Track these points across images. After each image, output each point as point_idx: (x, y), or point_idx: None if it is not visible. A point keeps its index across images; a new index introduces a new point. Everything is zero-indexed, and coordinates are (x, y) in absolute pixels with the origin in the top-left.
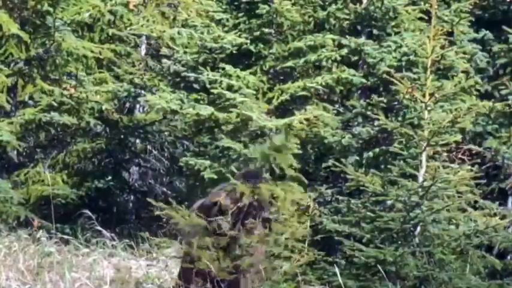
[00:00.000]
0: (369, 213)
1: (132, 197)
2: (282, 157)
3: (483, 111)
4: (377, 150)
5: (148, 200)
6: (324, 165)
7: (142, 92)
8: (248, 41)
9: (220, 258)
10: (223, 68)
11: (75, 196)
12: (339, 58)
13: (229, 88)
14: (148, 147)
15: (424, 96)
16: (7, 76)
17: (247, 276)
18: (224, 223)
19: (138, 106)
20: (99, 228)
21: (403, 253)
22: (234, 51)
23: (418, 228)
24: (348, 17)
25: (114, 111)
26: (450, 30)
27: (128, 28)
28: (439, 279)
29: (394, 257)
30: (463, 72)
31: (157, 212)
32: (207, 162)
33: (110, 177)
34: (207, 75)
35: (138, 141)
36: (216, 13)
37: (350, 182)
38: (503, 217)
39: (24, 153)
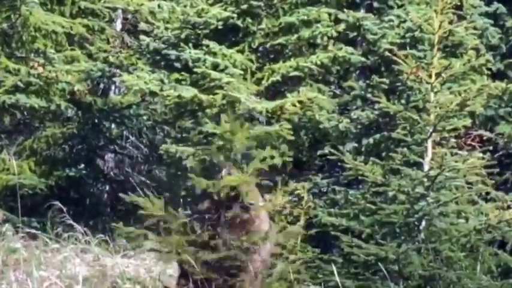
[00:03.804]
0: (368, 205)
1: (107, 187)
2: None
3: (495, 92)
4: (378, 136)
5: (121, 195)
6: (319, 152)
7: (118, 71)
8: (235, 15)
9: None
10: (208, 45)
11: (44, 186)
12: (335, 34)
13: (215, 67)
14: (125, 132)
15: (430, 76)
16: None
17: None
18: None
19: (113, 87)
20: (70, 221)
21: (406, 250)
22: (220, 27)
23: (423, 223)
24: None
25: (87, 92)
26: (459, 3)
27: (102, 1)
28: (447, 279)
29: (396, 254)
30: (473, 49)
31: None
32: (190, 150)
33: (82, 166)
34: (190, 53)
35: (113, 126)
36: None
37: (348, 171)
38: None
39: None
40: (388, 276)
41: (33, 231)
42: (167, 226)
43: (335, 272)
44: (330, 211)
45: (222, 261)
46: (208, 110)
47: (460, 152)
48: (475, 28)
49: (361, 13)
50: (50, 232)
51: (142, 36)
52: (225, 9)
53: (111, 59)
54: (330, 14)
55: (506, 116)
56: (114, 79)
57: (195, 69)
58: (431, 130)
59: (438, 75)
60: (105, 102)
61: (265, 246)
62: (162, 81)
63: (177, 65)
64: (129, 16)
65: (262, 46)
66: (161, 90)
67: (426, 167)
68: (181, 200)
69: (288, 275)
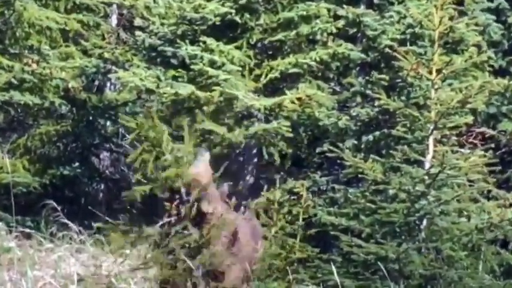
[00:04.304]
0: (368, 204)
1: (102, 186)
2: None
3: (497, 89)
4: (378, 133)
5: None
6: (318, 150)
7: (114, 68)
8: (233, 11)
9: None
10: (205, 42)
11: (38, 185)
12: (335, 30)
13: (212, 64)
14: (121, 130)
15: (430, 73)
16: None
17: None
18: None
19: (108, 84)
20: (65, 220)
21: (407, 249)
22: (217, 23)
23: (424, 221)
24: None
25: (82, 89)
26: None
27: None
28: (448, 279)
29: (397, 254)
30: (474, 46)
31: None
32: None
33: (77, 164)
34: (187, 49)
35: (109, 123)
36: None
37: (347, 169)
38: None
39: None
40: (388, 275)
41: (27, 230)
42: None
43: (334, 272)
44: (329, 210)
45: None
46: (205, 108)
47: (461, 149)
48: (476, 24)
49: (361, 9)
50: (44, 231)
51: (138, 32)
52: (223, 5)
53: (107, 55)
54: (329, 10)
55: (509, 113)
56: (109, 76)
57: (192, 66)
58: (432, 127)
59: (439, 71)
60: (100, 99)
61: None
62: (158, 78)
63: (174, 61)
64: (125, 11)
65: (260, 42)
66: (157, 87)
67: (427, 165)
68: None
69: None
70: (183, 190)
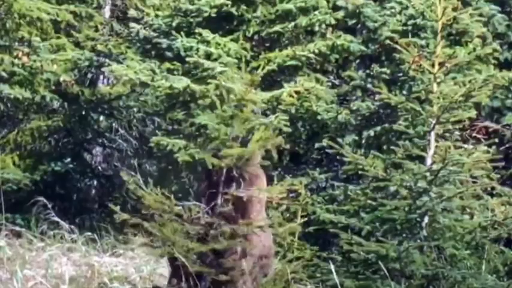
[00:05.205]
0: (369, 201)
1: (94, 183)
2: None
3: (502, 83)
4: (379, 128)
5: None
6: (317, 145)
7: (107, 61)
8: (229, 2)
9: (195, 249)
10: (201, 34)
11: (28, 181)
12: (334, 22)
13: (208, 57)
14: (114, 125)
15: (433, 66)
16: None
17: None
18: (198, 208)
19: (101, 77)
20: (56, 218)
21: (408, 248)
22: (213, 14)
23: (426, 219)
24: None
25: (74, 83)
26: None
27: None
28: (451, 278)
29: (398, 252)
30: (478, 37)
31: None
32: (182, 142)
33: (69, 160)
34: (182, 41)
35: (101, 118)
36: None
37: (347, 166)
38: None
39: None
40: (389, 275)
41: (17, 228)
42: (161, 219)
43: (333, 271)
44: (328, 207)
45: (216, 255)
46: (201, 101)
47: (464, 145)
48: (480, 15)
49: (361, 0)
50: (34, 229)
51: (132, 24)
52: None
53: (100, 47)
54: (328, 1)
55: None
56: (102, 69)
57: (187, 59)
58: (434, 122)
59: (441, 64)
60: (92, 93)
61: (262, 236)
62: (153, 71)
63: (169, 54)
64: (119, 2)
65: (257, 34)
66: (152, 80)
67: (429, 161)
68: (173, 194)
69: (285, 274)
70: (223, 178)
